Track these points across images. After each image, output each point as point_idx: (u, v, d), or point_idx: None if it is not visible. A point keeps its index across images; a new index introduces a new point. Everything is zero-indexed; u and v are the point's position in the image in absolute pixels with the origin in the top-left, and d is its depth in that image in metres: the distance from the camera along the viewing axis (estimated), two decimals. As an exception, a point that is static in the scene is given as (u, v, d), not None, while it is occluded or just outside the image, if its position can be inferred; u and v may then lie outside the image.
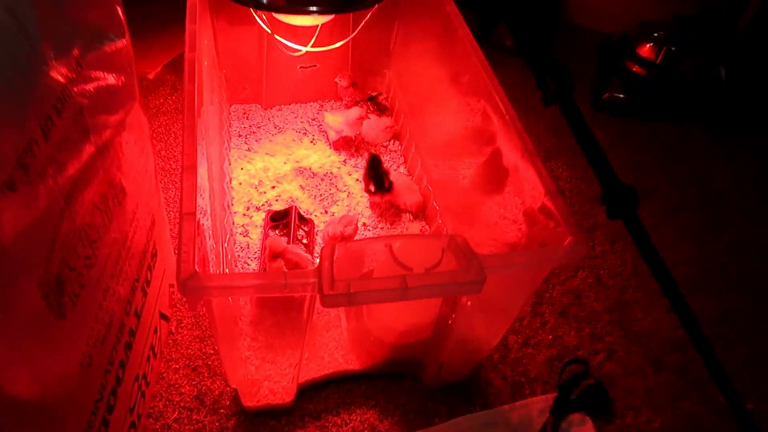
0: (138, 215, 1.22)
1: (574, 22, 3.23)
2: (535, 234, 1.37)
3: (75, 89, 0.86)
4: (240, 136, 2.30)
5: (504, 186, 1.59)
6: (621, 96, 2.81)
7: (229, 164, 2.15)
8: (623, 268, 2.08)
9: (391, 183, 2.02)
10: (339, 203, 2.09)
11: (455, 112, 1.87)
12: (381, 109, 2.38)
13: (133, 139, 1.18)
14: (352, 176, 2.18)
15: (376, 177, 2.03)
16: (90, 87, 0.93)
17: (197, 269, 0.99)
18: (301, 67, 2.35)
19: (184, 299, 1.64)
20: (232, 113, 2.39)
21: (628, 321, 1.92)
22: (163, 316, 1.55)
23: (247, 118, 2.37)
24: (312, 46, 1.84)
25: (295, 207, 1.95)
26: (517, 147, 1.35)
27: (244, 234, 1.95)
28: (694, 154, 2.56)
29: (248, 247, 1.91)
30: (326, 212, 2.05)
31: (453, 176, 1.90)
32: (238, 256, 1.89)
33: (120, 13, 1.09)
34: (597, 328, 1.88)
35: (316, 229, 1.98)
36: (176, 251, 0.92)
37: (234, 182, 2.10)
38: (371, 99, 2.37)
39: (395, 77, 2.38)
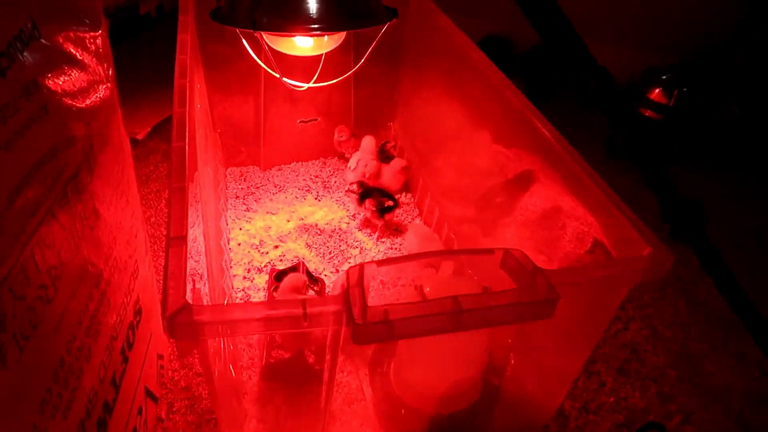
0: (116, 253, 0.98)
1: (576, 81, 3.17)
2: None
3: (40, 76, 0.66)
4: (237, 197, 2.09)
5: (550, 225, 1.39)
6: (635, 142, 2.69)
7: (227, 224, 1.93)
8: (678, 316, 1.83)
9: (396, 201, 1.90)
10: (351, 260, 1.85)
11: (478, 156, 1.69)
12: (389, 158, 2.20)
13: (111, 159, 0.96)
14: (363, 231, 1.96)
15: (380, 195, 1.88)
16: (57, 72, 0.73)
17: (189, 300, 0.75)
18: (300, 122, 2.19)
19: (171, 378, 1.36)
20: (228, 176, 2.20)
21: (697, 376, 1.64)
22: (149, 395, 1.26)
23: (244, 180, 2.18)
24: (315, 82, 1.69)
25: (303, 263, 1.71)
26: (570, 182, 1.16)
27: (245, 299, 1.69)
28: (721, 194, 2.40)
29: (250, 313, 1.65)
30: (337, 271, 1.81)
31: (480, 222, 1.69)
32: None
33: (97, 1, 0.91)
34: (664, 386, 1.60)
35: (327, 290, 1.73)
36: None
37: (232, 243, 1.87)
38: (379, 149, 2.20)
39: (401, 127, 2.23)
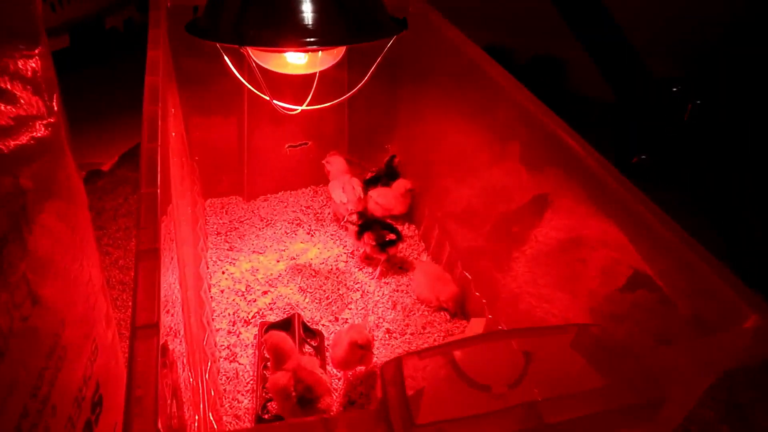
0: (65, 339, 0.74)
1: (578, 94, 3.00)
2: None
3: None
4: (219, 234, 1.85)
5: (570, 258, 1.18)
6: (648, 158, 2.52)
7: (207, 268, 1.68)
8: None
9: (399, 233, 1.69)
10: (352, 306, 1.61)
11: (493, 179, 1.48)
12: (389, 178, 1.97)
13: (56, 218, 0.72)
14: (364, 271, 1.73)
15: (380, 227, 1.67)
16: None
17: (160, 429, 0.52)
18: (289, 146, 1.97)
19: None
20: (208, 209, 1.95)
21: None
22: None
23: (226, 213, 1.94)
24: (309, 104, 1.46)
25: (299, 315, 1.47)
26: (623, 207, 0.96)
27: (231, 359, 1.44)
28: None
29: (237, 377, 1.40)
30: (337, 320, 1.57)
31: (495, 255, 1.47)
32: (225, 390, 1.37)
33: (35, 14, 0.67)
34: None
35: (327, 342, 1.49)
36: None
37: (214, 290, 1.62)
38: (388, 163, 1.98)
39: (401, 149, 2.01)
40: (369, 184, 1.96)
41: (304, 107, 1.45)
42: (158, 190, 0.91)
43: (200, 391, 1.20)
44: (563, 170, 1.22)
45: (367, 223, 1.71)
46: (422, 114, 1.88)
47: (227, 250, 1.78)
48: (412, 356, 0.69)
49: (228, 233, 1.85)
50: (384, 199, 1.87)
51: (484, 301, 1.51)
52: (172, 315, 0.96)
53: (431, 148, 1.84)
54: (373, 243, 1.66)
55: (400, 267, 1.75)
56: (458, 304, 1.59)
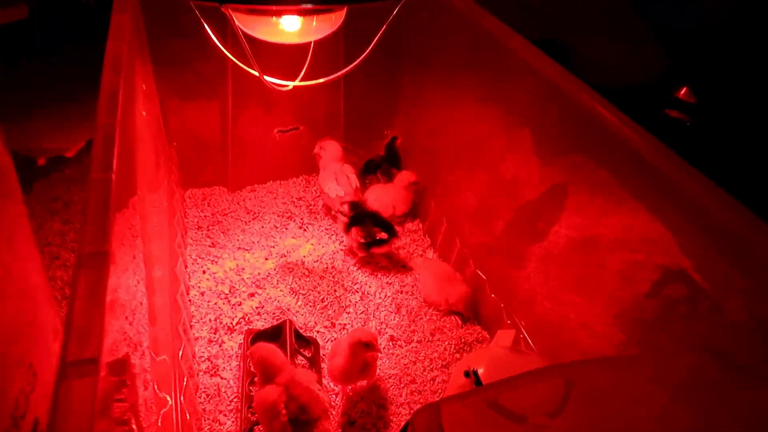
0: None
1: (585, 80, 2.82)
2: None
3: None
4: (200, 228, 1.65)
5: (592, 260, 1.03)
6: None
7: (186, 267, 1.48)
8: None
9: (394, 230, 1.52)
10: (350, 310, 1.43)
11: (511, 168, 1.31)
12: (390, 168, 1.78)
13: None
14: (363, 271, 1.54)
15: (372, 223, 1.50)
16: None
17: None
18: (278, 132, 1.77)
19: None
20: (188, 201, 1.75)
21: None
22: None
23: (208, 205, 1.74)
24: (303, 80, 1.26)
25: (290, 321, 1.28)
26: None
27: (212, 372, 1.26)
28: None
29: (219, 393, 1.21)
30: (334, 326, 1.39)
31: (519, 255, 1.29)
32: (204, 410, 1.18)
33: None
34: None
35: (323, 352, 1.30)
36: None
37: (193, 292, 1.43)
38: (389, 145, 1.79)
39: (403, 136, 1.81)
40: (366, 172, 1.77)
41: (296, 83, 1.26)
42: (113, 176, 0.72)
43: (174, 413, 1.01)
44: (600, 156, 1.05)
45: (359, 217, 1.52)
46: (427, 96, 1.69)
47: (209, 246, 1.58)
48: (452, 403, 0.50)
49: (210, 227, 1.65)
50: (385, 197, 1.68)
51: (502, 305, 1.33)
52: (131, 323, 0.78)
53: (438, 134, 1.65)
54: (361, 240, 1.48)
55: (403, 266, 1.57)
56: (470, 307, 1.41)
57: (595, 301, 1.10)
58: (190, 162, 1.78)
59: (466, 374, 0.87)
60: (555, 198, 1.21)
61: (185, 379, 1.10)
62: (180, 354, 1.13)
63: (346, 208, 1.55)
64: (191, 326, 1.34)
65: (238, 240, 1.61)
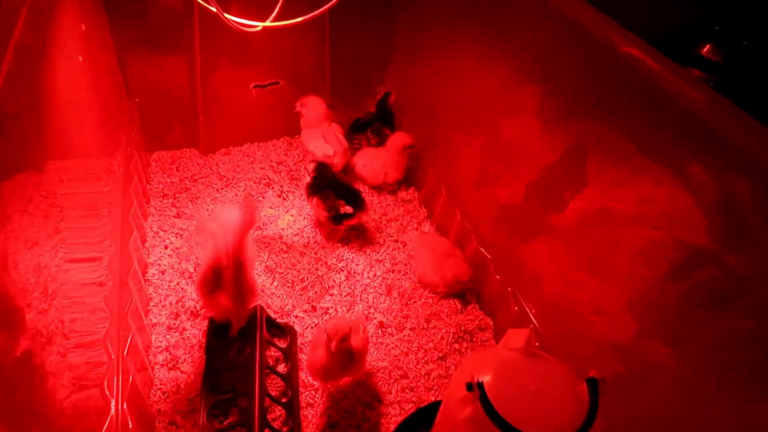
0: None
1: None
2: None
3: None
4: (165, 196, 1.45)
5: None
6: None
7: (144, 242, 1.29)
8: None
9: (361, 202, 1.33)
10: (334, 291, 1.24)
11: (522, 130, 1.12)
12: (381, 128, 1.57)
13: None
14: (353, 241, 1.35)
15: (335, 195, 1.32)
16: None
17: None
18: (255, 87, 1.56)
19: None
20: (155, 165, 1.55)
21: None
22: None
23: (177, 170, 1.54)
24: (274, 20, 1.05)
25: (261, 307, 1.10)
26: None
27: (170, 365, 1.08)
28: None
29: (177, 390, 1.04)
30: (315, 309, 1.21)
31: (527, 228, 1.12)
32: (159, 410, 1.01)
33: None
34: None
35: (301, 341, 1.13)
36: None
37: (152, 271, 1.24)
38: (381, 102, 1.58)
39: (396, 93, 1.59)
40: (355, 130, 1.56)
41: (267, 24, 1.05)
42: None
43: (115, 421, 0.84)
44: (622, 114, 0.88)
45: (319, 184, 1.33)
46: (425, 47, 1.48)
47: (173, 217, 1.38)
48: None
49: (177, 195, 1.45)
50: (376, 162, 1.48)
51: (509, 289, 1.15)
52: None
53: (436, 91, 1.45)
54: (325, 213, 1.29)
55: (395, 240, 1.38)
56: (472, 289, 1.23)
57: (608, 282, 0.98)
58: (157, 121, 1.57)
59: (469, 387, 0.69)
60: (565, 165, 1.05)
61: (129, 378, 0.92)
62: (126, 348, 0.95)
63: (312, 166, 1.36)
64: (148, 311, 1.16)
65: (207, 210, 1.41)
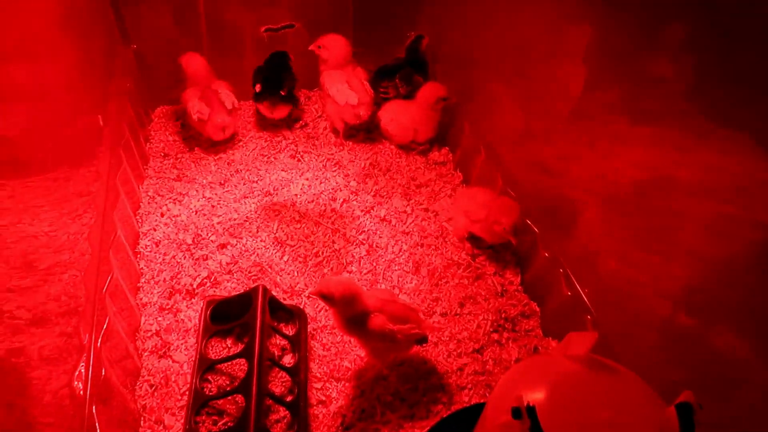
0: None
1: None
2: None
3: None
4: (166, 156, 1.29)
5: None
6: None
7: (138, 209, 1.14)
8: None
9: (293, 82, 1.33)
10: (353, 268, 1.07)
11: (580, 82, 0.91)
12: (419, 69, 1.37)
13: None
14: (376, 210, 1.17)
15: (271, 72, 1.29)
16: None
17: None
18: (267, 30, 1.37)
19: None
20: (156, 121, 1.39)
21: None
22: None
23: (182, 126, 1.37)
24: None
25: (265, 288, 0.93)
26: None
27: (161, 353, 0.93)
28: None
29: (167, 383, 0.89)
30: (329, 288, 1.03)
31: (578, 197, 0.92)
32: (144, 406, 0.86)
33: None
34: None
35: (313, 327, 0.96)
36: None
37: (144, 242, 1.09)
38: (412, 46, 1.37)
39: (432, 38, 1.37)
40: (382, 77, 1.36)
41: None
42: None
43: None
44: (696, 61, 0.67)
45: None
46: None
47: (173, 179, 1.22)
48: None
49: (179, 155, 1.29)
50: (404, 117, 1.28)
51: (560, 270, 0.96)
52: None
53: (474, 35, 1.24)
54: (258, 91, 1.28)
55: (425, 209, 1.19)
56: (513, 246, 1.04)
57: (671, 261, 0.83)
58: (161, 72, 1.40)
59: (516, 413, 0.51)
60: (620, 124, 0.89)
61: (101, 372, 0.77)
62: (100, 336, 0.79)
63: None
64: (137, 288, 1.01)
65: (210, 172, 1.25)
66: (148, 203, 1.16)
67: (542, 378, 0.56)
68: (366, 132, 1.37)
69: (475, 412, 0.80)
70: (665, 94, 0.80)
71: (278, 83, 1.28)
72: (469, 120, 1.27)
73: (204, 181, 1.22)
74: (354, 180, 1.25)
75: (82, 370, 0.75)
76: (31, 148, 0.88)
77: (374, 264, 1.08)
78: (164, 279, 1.02)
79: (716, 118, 0.72)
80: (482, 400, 0.91)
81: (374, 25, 1.45)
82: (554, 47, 1.00)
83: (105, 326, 0.82)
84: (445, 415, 0.86)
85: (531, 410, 0.51)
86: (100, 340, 0.79)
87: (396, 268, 1.08)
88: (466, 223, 1.09)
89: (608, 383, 0.56)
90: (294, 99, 1.34)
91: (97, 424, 0.72)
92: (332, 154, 1.31)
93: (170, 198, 1.17)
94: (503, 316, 1.00)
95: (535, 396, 0.54)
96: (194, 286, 1.01)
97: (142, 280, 1.02)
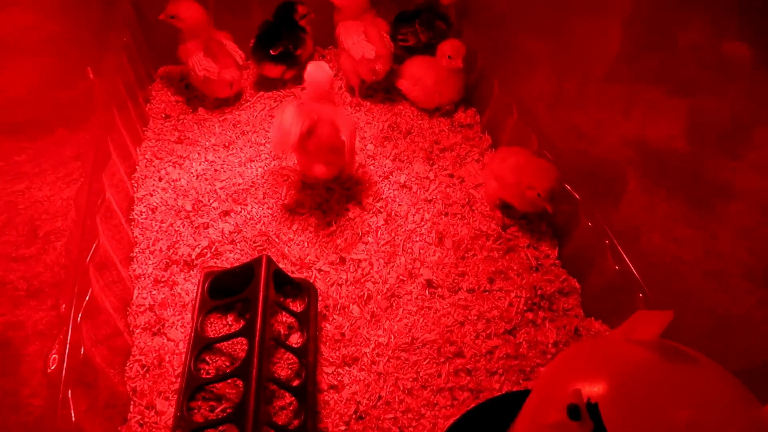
0: None
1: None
2: None
3: None
4: (168, 117, 1.19)
5: None
6: None
7: (134, 172, 1.04)
8: None
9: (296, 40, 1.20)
10: (369, 239, 0.96)
11: (621, 33, 0.80)
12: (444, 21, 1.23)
13: None
14: (395, 176, 1.06)
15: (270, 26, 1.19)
16: None
17: None
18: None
19: None
20: (159, 81, 1.29)
21: None
22: None
23: (186, 88, 1.26)
24: None
25: (269, 259, 0.82)
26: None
27: (155, 329, 0.83)
28: None
29: (160, 363, 0.80)
30: (343, 262, 0.93)
31: (619, 162, 0.80)
32: (135, 389, 0.77)
33: None
34: None
35: (323, 304, 0.86)
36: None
37: (139, 209, 0.99)
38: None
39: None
40: (400, 23, 1.24)
41: None
42: None
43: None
44: None
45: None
46: None
47: (174, 142, 1.12)
48: None
49: (181, 117, 1.19)
50: (427, 78, 1.16)
51: (606, 242, 0.84)
52: None
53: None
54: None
55: (450, 175, 1.07)
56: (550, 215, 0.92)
57: (720, 235, 0.74)
58: (163, 29, 1.28)
59: (573, 412, 0.40)
60: (657, 92, 0.79)
61: (82, 351, 0.67)
62: (80, 312, 0.70)
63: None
64: (131, 259, 0.91)
65: (215, 133, 1.14)
66: (145, 167, 1.06)
67: (602, 367, 0.45)
68: (385, 92, 1.25)
69: (507, 402, 0.69)
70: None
71: (270, 41, 1.17)
72: (498, 78, 1.14)
73: (207, 143, 1.11)
74: (371, 143, 1.13)
75: (56, 352, 0.66)
76: (34, 108, 0.80)
77: (393, 234, 0.97)
78: (160, 249, 0.92)
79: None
80: (515, 388, 0.80)
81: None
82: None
83: (87, 299, 0.72)
84: (472, 405, 0.76)
85: (593, 408, 0.40)
86: (80, 316, 0.70)
87: (417, 239, 0.96)
88: (497, 189, 0.97)
89: (687, 375, 0.44)
90: (291, 59, 1.21)
91: (72, 411, 0.62)
92: (350, 112, 1.19)
93: (170, 161, 1.07)
94: (538, 293, 0.88)
95: (595, 390, 0.42)
96: (193, 257, 0.91)
97: (136, 250, 0.93)
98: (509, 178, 0.93)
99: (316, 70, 0.96)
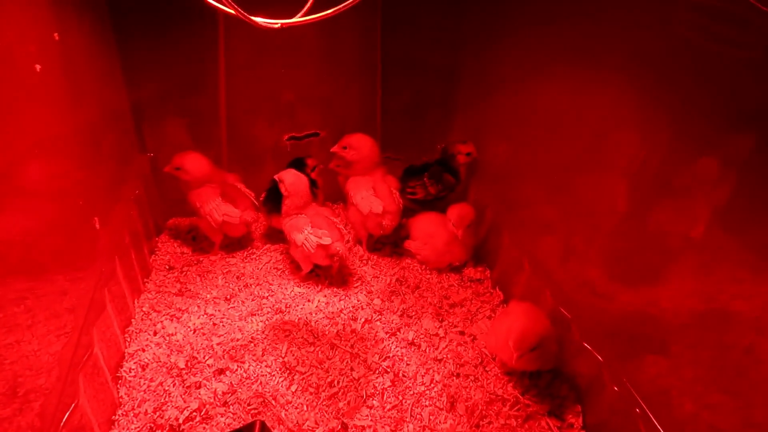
0: None
1: None
2: None
3: None
4: (171, 269, 1.17)
5: None
6: None
7: (128, 326, 0.99)
8: None
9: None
10: (374, 402, 0.88)
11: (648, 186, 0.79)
12: (450, 182, 1.25)
13: None
14: (403, 332, 1.00)
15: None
16: None
17: None
18: (290, 139, 1.30)
19: None
20: (167, 233, 1.28)
21: None
22: None
23: (193, 239, 1.26)
24: (305, 14, 0.78)
25: (261, 423, 0.74)
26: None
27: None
28: None
29: None
30: (346, 428, 0.84)
31: (644, 321, 0.75)
32: None
33: None
34: None
35: (319, 482, 0.76)
36: None
37: (129, 365, 0.92)
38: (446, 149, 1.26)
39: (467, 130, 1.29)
40: (408, 176, 1.26)
41: (295, 20, 0.78)
42: None
43: None
44: None
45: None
46: (498, 83, 1.18)
47: (174, 294, 1.08)
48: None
49: (185, 269, 1.17)
50: (438, 238, 1.16)
51: (637, 410, 0.76)
52: None
53: (517, 141, 1.13)
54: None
55: (461, 333, 1.02)
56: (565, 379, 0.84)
57: (757, 403, 0.67)
58: (176, 184, 1.32)
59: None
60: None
61: None
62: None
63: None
64: (112, 422, 0.83)
65: (217, 285, 1.11)
66: (141, 320, 1.01)
67: None
68: (393, 246, 1.24)
69: None
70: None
71: (280, 194, 1.17)
72: (509, 231, 1.13)
73: (208, 296, 1.08)
74: (378, 297, 1.09)
75: None
76: (37, 254, 0.78)
77: (400, 397, 0.89)
78: (145, 411, 0.84)
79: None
80: None
81: (404, 132, 1.37)
82: (598, 158, 0.89)
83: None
84: None
85: None
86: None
87: (427, 402, 0.88)
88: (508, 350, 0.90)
89: None
90: None
91: None
92: (354, 269, 1.17)
93: (167, 314, 1.02)
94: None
95: None
96: (180, 421, 0.82)
97: (119, 412, 0.84)
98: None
99: (296, 179, 1.06)
